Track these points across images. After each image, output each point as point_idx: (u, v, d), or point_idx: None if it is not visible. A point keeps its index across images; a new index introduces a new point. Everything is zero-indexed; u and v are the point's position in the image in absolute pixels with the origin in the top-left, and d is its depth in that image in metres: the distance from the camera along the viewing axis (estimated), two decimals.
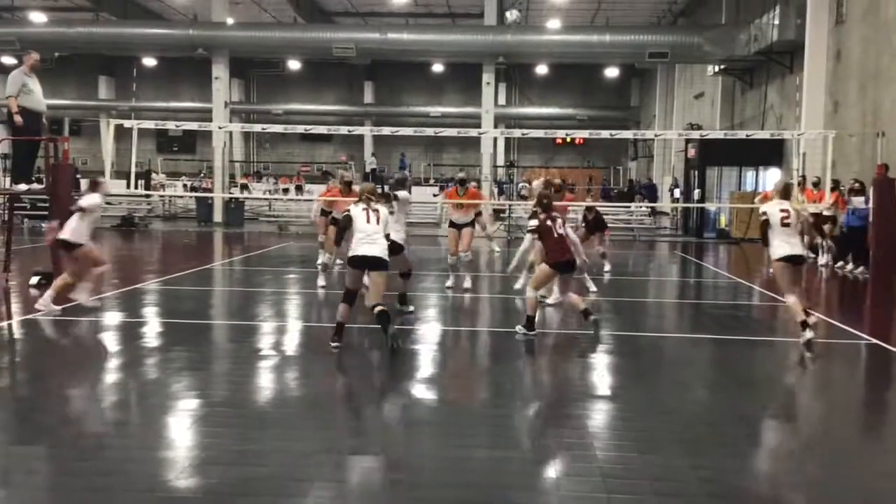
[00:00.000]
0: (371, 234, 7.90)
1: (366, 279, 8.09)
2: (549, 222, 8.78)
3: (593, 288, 11.89)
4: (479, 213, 12.25)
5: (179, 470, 4.75)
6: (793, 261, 8.51)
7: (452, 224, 12.11)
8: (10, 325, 9.16)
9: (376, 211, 8.05)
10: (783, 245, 8.49)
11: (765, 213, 8.67)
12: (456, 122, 37.76)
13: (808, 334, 8.24)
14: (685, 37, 27.23)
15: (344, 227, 8.17)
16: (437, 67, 41.89)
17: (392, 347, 7.58)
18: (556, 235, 8.72)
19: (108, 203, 29.15)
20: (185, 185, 34.39)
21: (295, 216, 28.51)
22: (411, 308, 10.13)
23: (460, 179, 12.49)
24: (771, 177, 23.23)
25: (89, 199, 9.84)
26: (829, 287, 14.11)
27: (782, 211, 8.55)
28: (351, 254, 7.91)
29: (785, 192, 8.84)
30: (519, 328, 8.71)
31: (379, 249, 7.85)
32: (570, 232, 9.45)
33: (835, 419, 6.30)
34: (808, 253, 11.21)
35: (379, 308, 7.68)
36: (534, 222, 8.88)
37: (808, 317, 8.40)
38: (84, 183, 29.00)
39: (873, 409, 6.78)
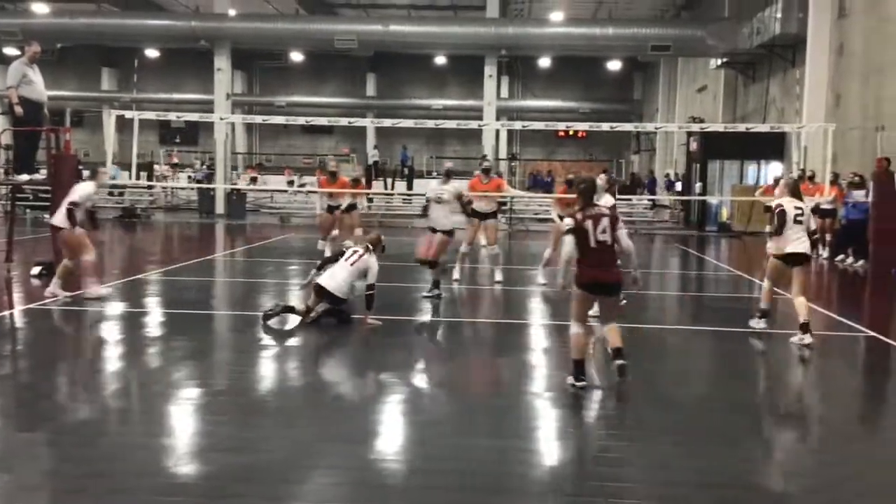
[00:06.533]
0: None
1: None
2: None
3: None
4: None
5: (179, 456, 4.79)
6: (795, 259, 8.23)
7: (475, 213, 11.69)
8: (11, 315, 9.20)
9: None
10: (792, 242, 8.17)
11: (780, 206, 8.26)
12: (458, 115, 37.62)
13: (807, 339, 7.96)
14: (688, 30, 27.20)
15: None
16: (440, 60, 41.80)
17: None
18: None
19: (109, 195, 29.31)
20: (189, 178, 34.36)
21: (298, 208, 28.62)
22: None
23: (485, 168, 12.24)
24: (772, 170, 23.23)
25: (81, 191, 9.91)
26: (829, 280, 14.12)
27: (797, 208, 8.23)
28: None
29: (794, 190, 8.49)
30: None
31: None
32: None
33: (831, 411, 6.33)
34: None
35: None
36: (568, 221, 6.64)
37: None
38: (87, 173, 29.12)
39: (871, 401, 6.81)
